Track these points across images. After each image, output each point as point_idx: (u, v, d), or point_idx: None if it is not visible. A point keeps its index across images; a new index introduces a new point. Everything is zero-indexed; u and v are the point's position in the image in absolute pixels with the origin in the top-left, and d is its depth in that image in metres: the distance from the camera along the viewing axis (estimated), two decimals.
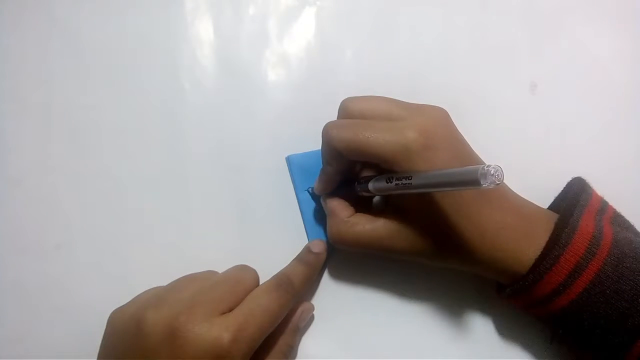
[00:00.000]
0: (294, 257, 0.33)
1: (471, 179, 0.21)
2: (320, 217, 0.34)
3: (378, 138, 0.27)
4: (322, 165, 0.31)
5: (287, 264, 0.32)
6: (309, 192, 0.34)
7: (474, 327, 0.33)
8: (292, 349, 0.31)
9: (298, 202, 0.35)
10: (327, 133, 0.29)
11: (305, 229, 0.35)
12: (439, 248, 0.28)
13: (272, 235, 0.35)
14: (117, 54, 0.38)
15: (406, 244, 0.29)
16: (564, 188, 0.33)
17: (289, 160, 0.35)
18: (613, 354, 0.28)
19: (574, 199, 0.29)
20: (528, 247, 0.28)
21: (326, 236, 0.34)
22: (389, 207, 0.32)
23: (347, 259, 0.34)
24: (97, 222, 0.35)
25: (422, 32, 0.39)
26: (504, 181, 0.21)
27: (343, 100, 0.30)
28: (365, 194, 0.30)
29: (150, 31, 0.38)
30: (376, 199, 0.34)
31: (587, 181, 0.32)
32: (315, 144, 0.35)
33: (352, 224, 0.30)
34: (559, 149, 0.37)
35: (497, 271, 0.29)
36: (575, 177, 0.32)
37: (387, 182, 0.27)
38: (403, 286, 0.34)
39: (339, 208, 0.31)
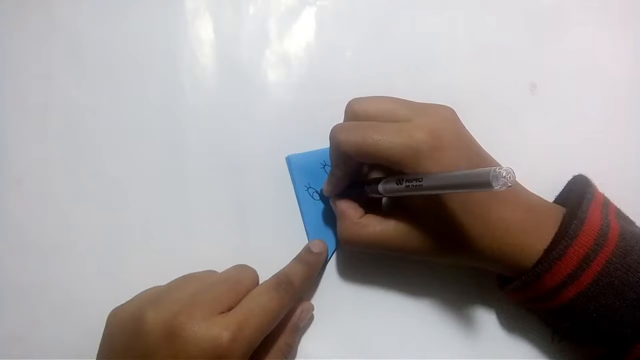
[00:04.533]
0: (294, 257, 0.32)
1: (483, 181, 0.21)
2: (321, 217, 0.35)
3: (386, 141, 0.27)
4: (330, 167, 0.31)
5: (287, 264, 0.32)
6: (310, 191, 0.34)
7: (476, 327, 0.33)
8: (291, 349, 0.31)
9: (298, 202, 0.35)
10: (335, 137, 0.29)
11: (305, 229, 0.35)
12: (449, 247, 0.28)
13: (272, 235, 0.35)
14: (117, 54, 0.38)
15: (417, 244, 0.29)
16: (567, 185, 0.33)
17: (289, 160, 0.35)
18: (618, 347, 0.28)
19: (581, 193, 0.29)
20: (536, 240, 0.28)
21: (326, 236, 0.34)
22: (399, 208, 0.31)
23: (347, 259, 0.34)
24: (97, 222, 0.35)
25: (422, 32, 0.39)
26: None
27: (349, 102, 0.30)
28: (375, 195, 0.30)
29: (150, 31, 0.38)
30: (385, 200, 0.34)
31: (589, 178, 0.32)
32: (315, 144, 0.35)
33: (362, 225, 0.30)
34: (559, 149, 0.37)
35: (505, 265, 0.29)
36: (578, 174, 0.32)
37: (397, 184, 0.27)
38: (403, 286, 0.34)
39: (349, 210, 0.31)
